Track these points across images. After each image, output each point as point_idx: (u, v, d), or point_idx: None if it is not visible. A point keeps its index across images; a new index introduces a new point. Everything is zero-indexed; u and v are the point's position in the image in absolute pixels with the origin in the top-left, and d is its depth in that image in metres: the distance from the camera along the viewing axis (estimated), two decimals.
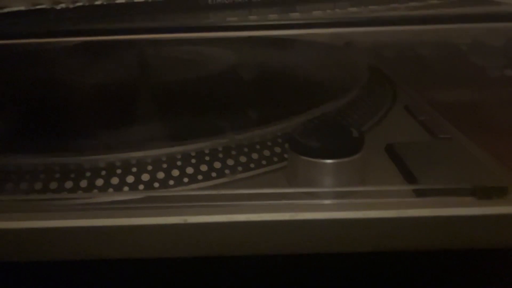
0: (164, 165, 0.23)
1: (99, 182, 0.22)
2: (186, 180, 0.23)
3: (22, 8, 0.19)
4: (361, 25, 0.21)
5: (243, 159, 0.24)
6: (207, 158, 0.23)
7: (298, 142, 0.22)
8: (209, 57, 0.31)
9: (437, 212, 0.20)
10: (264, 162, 0.24)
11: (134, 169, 0.22)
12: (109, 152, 0.23)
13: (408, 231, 0.20)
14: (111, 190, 0.22)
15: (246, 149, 0.24)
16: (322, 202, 0.21)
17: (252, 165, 0.24)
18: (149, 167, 0.23)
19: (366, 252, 0.20)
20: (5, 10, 0.19)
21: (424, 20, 0.21)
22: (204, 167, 0.23)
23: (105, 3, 0.21)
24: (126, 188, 0.22)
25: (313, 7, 0.25)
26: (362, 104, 0.31)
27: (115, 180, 0.22)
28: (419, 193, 0.21)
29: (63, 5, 0.20)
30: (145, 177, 0.22)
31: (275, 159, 0.24)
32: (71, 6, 0.20)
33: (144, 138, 0.24)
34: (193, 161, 0.23)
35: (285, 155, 0.25)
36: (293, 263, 0.21)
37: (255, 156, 0.24)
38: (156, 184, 0.22)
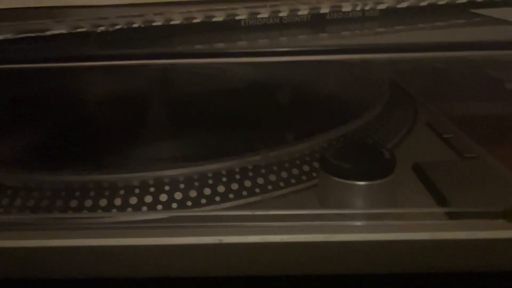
0: (196, 183, 0.23)
1: (133, 200, 0.22)
2: (218, 198, 0.23)
3: (64, 31, 0.20)
4: (390, 51, 0.22)
5: (272, 177, 0.24)
6: (237, 176, 0.24)
7: (330, 163, 0.22)
8: (235, 74, 0.31)
9: (470, 235, 0.20)
10: (293, 181, 0.24)
11: (166, 187, 0.23)
12: (142, 170, 0.23)
13: (440, 253, 0.20)
14: (145, 208, 0.22)
15: (275, 168, 0.25)
16: (355, 224, 0.21)
17: (281, 184, 0.24)
18: (181, 185, 0.23)
19: (399, 273, 0.21)
20: (48, 33, 0.20)
21: (451, 47, 0.22)
22: (235, 186, 0.23)
23: (142, 25, 0.21)
24: (159, 207, 0.22)
25: (342, 28, 0.25)
26: (385, 121, 0.31)
27: (148, 199, 0.22)
28: (451, 216, 0.21)
29: (102, 28, 0.20)
30: (178, 195, 0.23)
31: (304, 177, 0.25)
32: (110, 29, 0.21)
33: (174, 156, 0.24)
34: (224, 179, 0.24)
35: (314, 174, 0.25)
36: (326, 283, 0.21)
37: (284, 174, 0.25)
38: (189, 203, 0.23)
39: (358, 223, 0.21)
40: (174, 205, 0.22)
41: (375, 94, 0.33)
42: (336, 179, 0.22)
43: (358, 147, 0.23)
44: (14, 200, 0.22)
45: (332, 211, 0.21)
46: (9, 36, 0.19)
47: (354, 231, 0.20)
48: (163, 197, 0.22)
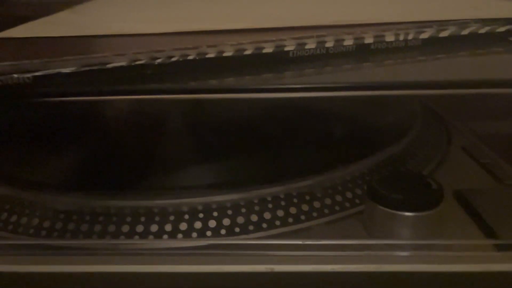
0: (243, 210, 0.24)
1: (183, 226, 0.23)
2: (265, 225, 0.23)
3: (124, 63, 0.21)
4: (434, 88, 0.22)
5: (317, 204, 0.25)
6: (282, 203, 0.24)
7: (377, 192, 0.22)
8: (277, 100, 0.32)
9: None
10: (337, 208, 0.25)
11: (215, 213, 0.23)
12: (191, 195, 0.23)
13: (489, 286, 0.21)
14: (194, 234, 0.23)
15: (319, 194, 0.25)
16: (404, 254, 0.21)
17: (326, 211, 0.24)
18: (229, 212, 0.23)
19: None
20: (109, 66, 0.20)
21: (493, 84, 0.22)
22: (280, 213, 0.24)
23: (197, 57, 0.22)
24: (208, 233, 0.23)
25: (385, 57, 0.25)
26: (420, 146, 0.31)
27: (198, 225, 0.23)
28: (500, 248, 0.21)
29: (159, 61, 0.21)
30: (226, 221, 0.23)
31: (347, 204, 0.25)
32: (167, 61, 0.21)
33: (220, 182, 0.25)
34: (270, 205, 0.24)
35: (356, 200, 0.25)
36: None
37: (328, 201, 0.25)
38: (237, 229, 0.23)
39: (407, 254, 0.21)
40: (223, 231, 0.23)
41: (408, 118, 0.33)
42: (384, 208, 0.22)
43: (404, 176, 0.24)
44: (67, 224, 0.23)
45: (382, 241, 0.21)
46: (73, 69, 0.20)
47: (404, 262, 0.21)
48: (212, 223, 0.23)
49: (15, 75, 0.19)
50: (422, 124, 0.34)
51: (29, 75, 0.19)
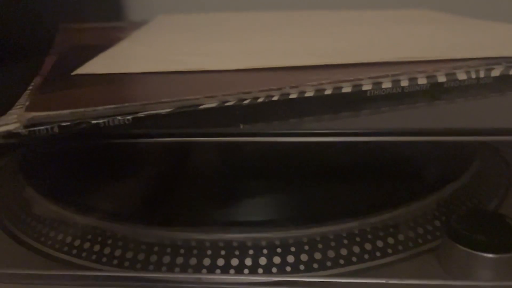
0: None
1: (262, 260, 0.23)
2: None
3: (214, 105, 0.22)
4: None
5: (390, 240, 0.25)
6: (357, 239, 0.25)
7: (457, 231, 0.22)
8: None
9: None
10: (410, 244, 0.25)
11: (292, 249, 0.24)
12: (269, 230, 0.24)
13: None
14: (274, 269, 0.23)
15: (392, 230, 0.25)
16: None
17: (400, 247, 0.25)
18: (306, 247, 0.24)
19: None
20: (202, 107, 0.21)
21: None
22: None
23: (281, 99, 0.23)
24: (288, 268, 0.23)
25: (457, 95, 0.26)
26: (482, 180, 0.31)
27: (277, 260, 0.23)
28: None
29: (247, 102, 0.22)
30: (304, 257, 0.24)
31: (420, 240, 0.25)
32: (254, 102, 0.22)
33: (295, 218, 0.25)
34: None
35: (428, 237, 0.26)
36: None
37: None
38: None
39: None
40: (302, 267, 0.23)
41: (470, 152, 0.33)
42: (464, 248, 0.22)
43: (481, 214, 0.24)
44: (149, 256, 0.24)
45: (466, 282, 0.22)
46: (169, 111, 0.21)
47: None
48: (290, 259, 0.23)
49: (119, 117, 0.20)
50: (483, 157, 0.34)
51: (129, 117, 0.20)
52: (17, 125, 0.19)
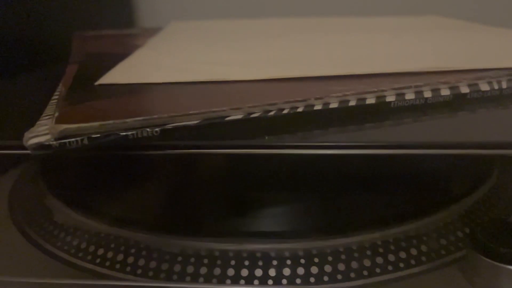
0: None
1: (286, 271, 0.23)
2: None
3: (240, 116, 0.22)
4: None
5: (413, 251, 0.25)
6: (380, 250, 0.25)
7: (483, 243, 0.22)
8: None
9: None
10: (433, 255, 0.25)
11: (316, 260, 0.24)
12: (293, 240, 0.24)
13: None
14: (298, 280, 0.23)
15: (414, 241, 0.25)
16: None
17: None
18: (330, 258, 0.24)
19: None
20: (227, 119, 0.21)
21: None
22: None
23: (305, 110, 0.23)
24: (297, 280, 0.23)
25: (479, 106, 0.26)
26: (502, 189, 0.31)
27: (300, 270, 0.23)
28: None
29: (272, 113, 0.22)
30: (327, 268, 0.24)
31: (443, 251, 0.25)
32: (279, 114, 0.22)
33: (321, 229, 0.25)
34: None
35: (451, 248, 0.26)
36: None
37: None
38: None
39: None
40: (325, 278, 0.23)
41: (488, 163, 0.33)
42: (490, 261, 0.22)
43: (505, 225, 0.24)
44: (173, 266, 0.24)
45: None
46: (196, 122, 0.21)
47: None
48: (314, 270, 0.23)
49: (147, 129, 0.20)
50: (503, 167, 0.33)
51: (158, 128, 0.20)
52: (48, 137, 0.19)
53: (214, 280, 0.23)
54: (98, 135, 0.20)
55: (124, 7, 0.65)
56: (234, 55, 0.34)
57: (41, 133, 0.20)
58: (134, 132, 0.20)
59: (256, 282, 0.23)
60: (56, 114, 0.21)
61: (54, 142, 0.19)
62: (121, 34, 0.50)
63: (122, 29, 0.53)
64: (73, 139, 0.19)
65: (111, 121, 0.20)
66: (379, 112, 0.24)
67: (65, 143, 0.19)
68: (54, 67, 0.41)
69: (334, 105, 0.23)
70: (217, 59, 0.32)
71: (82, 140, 0.20)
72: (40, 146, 0.19)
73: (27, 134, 0.20)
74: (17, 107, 0.30)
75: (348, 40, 0.39)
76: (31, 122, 0.22)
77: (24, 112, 0.28)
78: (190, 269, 0.24)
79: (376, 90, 0.24)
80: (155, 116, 0.20)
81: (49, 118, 0.22)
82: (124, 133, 0.20)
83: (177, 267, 0.24)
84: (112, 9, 0.63)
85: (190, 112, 0.21)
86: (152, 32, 0.46)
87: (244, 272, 0.23)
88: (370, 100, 0.24)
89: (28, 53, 0.46)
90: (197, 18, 0.57)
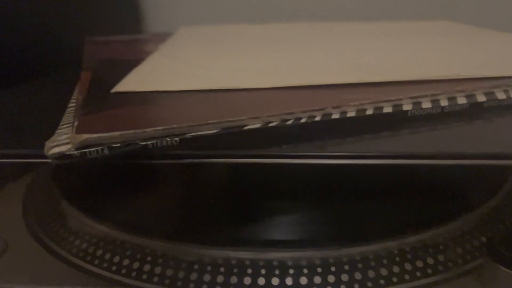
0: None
1: (303, 280, 0.23)
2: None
3: (258, 126, 0.22)
4: None
5: (430, 260, 0.25)
6: (397, 259, 0.25)
7: (501, 254, 0.22)
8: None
9: None
10: (450, 264, 0.25)
11: (333, 268, 0.24)
12: (308, 248, 0.24)
13: None
14: None
15: (431, 250, 0.25)
16: None
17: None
18: (347, 267, 0.24)
19: None
20: (245, 128, 0.21)
21: None
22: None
23: (323, 119, 0.23)
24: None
25: (498, 114, 0.26)
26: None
27: (317, 279, 0.23)
28: None
29: (289, 122, 0.22)
30: (344, 277, 0.24)
31: (460, 260, 0.25)
32: (296, 123, 0.22)
33: (338, 237, 0.25)
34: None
35: (468, 257, 0.25)
36: None
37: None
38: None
39: None
40: (343, 287, 0.23)
41: (503, 168, 0.33)
42: (507, 270, 0.22)
43: None
44: (189, 274, 0.24)
45: None
46: (214, 132, 0.21)
47: None
48: (331, 278, 0.24)
49: (167, 138, 0.20)
50: None
51: (177, 138, 0.20)
52: (69, 146, 0.20)
53: None
54: (118, 145, 0.20)
55: (131, 11, 0.66)
56: (248, 61, 0.34)
57: (62, 143, 0.20)
58: (154, 141, 0.20)
59: None
60: (76, 123, 0.21)
61: (75, 152, 0.19)
62: (131, 39, 0.50)
63: (131, 34, 0.53)
64: (93, 149, 0.20)
65: (131, 131, 0.20)
66: (396, 121, 0.24)
67: (85, 152, 0.19)
68: (62, 72, 0.41)
69: (351, 114, 0.23)
70: (231, 66, 0.32)
71: (102, 149, 0.20)
72: (62, 155, 0.19)
73: (47, 143, 0.20)
74: (28, 114, 0.30)
75: (360, 45, 0.39)
76: (46, 129, 0.22)
77: (37, 119, 0.28)
78: (206, 277, 0.24)
79: (393, 99, 0.24)
80: (175, 126, 0.20)
81: (68, 126, 0.22)
82: (144, 143, 0.20)
83: (194, 275, 0.24)
84: (119, 14, 0.63)
85: (209, 121, 0.21)
86: (161, 37, 0.47)
87: (261, 281, 0.23)
88: (387, 109, 0.24)
89: (35, 59, 0.46)
90: (203, 22, 0.57)
